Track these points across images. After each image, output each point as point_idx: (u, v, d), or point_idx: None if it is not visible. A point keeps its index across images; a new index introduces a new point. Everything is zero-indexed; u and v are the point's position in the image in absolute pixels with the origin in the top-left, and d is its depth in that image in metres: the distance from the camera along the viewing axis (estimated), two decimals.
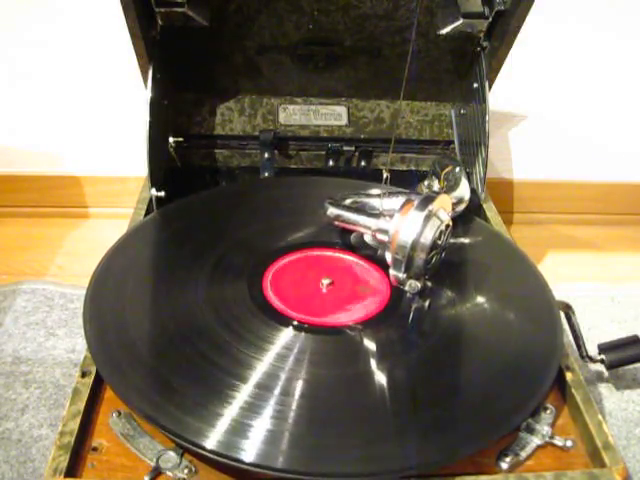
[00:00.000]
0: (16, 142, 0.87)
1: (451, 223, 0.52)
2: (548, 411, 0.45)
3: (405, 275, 0.50)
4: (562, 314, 0.52)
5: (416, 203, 0.50)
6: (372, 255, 0.57)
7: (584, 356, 0.54)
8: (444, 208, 0.51)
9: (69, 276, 0.79)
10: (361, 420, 0.42)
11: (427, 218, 0.49)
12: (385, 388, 0.44)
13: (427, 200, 0.50)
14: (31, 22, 0.79)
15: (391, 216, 0.51)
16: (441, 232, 0.50)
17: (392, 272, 0.51)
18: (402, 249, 0.49)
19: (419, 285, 0.50)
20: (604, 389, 0.63)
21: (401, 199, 0.54)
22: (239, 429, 0.40)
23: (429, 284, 0.52)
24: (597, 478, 0.40)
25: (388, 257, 0.51)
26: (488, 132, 0.67)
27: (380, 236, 0.54)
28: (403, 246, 0.49)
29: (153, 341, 0.47)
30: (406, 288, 0.51)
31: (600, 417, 0.44)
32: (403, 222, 0.49)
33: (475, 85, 0.70)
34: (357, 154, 0.76)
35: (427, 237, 0.49)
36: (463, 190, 0.63)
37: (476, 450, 0.41)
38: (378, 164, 0.77)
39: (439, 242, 0.50)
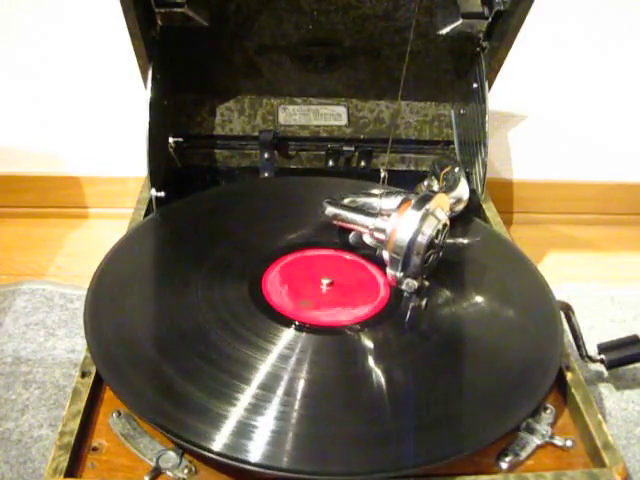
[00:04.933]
0: (16, 142, 0.87)
1: (448, 222, 0.52)
2: (548, 411, 0.45)
3: (402, 274, 0.50)
4: (562, 314, 0.52)
5: (413, 202, 0.50)
6: (371, 255, 0.57)
7: (584, 356, 0.54)
8: (441, 207, 0.51)
9: (69, 276, 0.79)
10: (362, 420, 0.42)
11: (424, 217, 0.49)
12: (385, 388, 0.44)
13: (424, 199, 0.50)
14: (31, 22, 0.79)
15: (389, 215, 0.51)
16: (438, 231, 0.50)
17: (389, 271, 0.51)
18: (399, 248, 0.49)
19: (416, 284, 0.50)
20: (604, 389, 0.63)
21: (399, 198, 0.54)
22: (244, 430, 0.40)
23: (426, 283, 0.52)
24: (597, 478, 0.40)
25: (385, 256, 0.51)
26: (488, 132, 0.67)
27: (378, 235, 0.54)
28: (400, 245, 0.49)
29: (153, 342, 0.47)
30: (403, 287, 0.51)
31: (600, 417, 0.44)
32: (400, 221, 0.49)
33: (475, 85, 0.70)
34: (357, 154, 0.76)
35: (424, 236, 0.49)
36: (462, 190, 0.63)
37: (476, 450, 0.41)
38: (378, 164, 0.77)
39: (436, 241, 0.50)
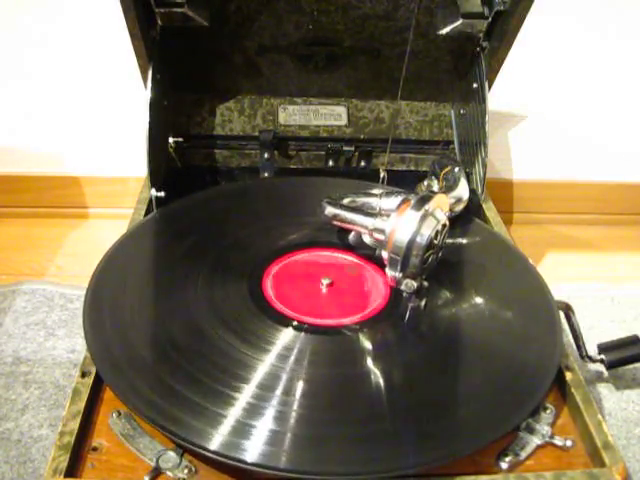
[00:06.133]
0: (16, 142, 0.87)
1: (448, 223, 0.52)
2: (548, 411, 0.45)
3: (401, 274, 0.50)
4: (562, 314, 0.52)
5: (412, 202, 0.50)
6: (371, 255, 0.57)
7: (584, 356, 0.54)
8: (441, 208, 0.51)
9: (69, 276, 0.79)
10: (361, 420, 0.42)
11: (423, 217, 0.49)
12: (384, 388, 0.44)
13: (424, 199, 0.50)
14: (31, 22, 0.79)
15: (388, 215, 0.51)
16: (437, 232, 0.50)
17: (388, 271, 0.51)
18: (398, 248, 0.49)
19: (415, 284, 0.50)
20: (604, 389, 0.63)
21: (399, 199, 0.54)
22: (241, 430, 0.40)
23: (426, 283, 0.52)
24: (597, 478, 0.40)
25: (385, 256, 0.51)
26: (488, 132, 0.67)
27: (377, 235, 0.54)
28: (399, 245, 0.49)
29: (153, 342, 0.47)
30: (402, 287, 0.51)
31: (600, 417, 0.44)
32: (399, 221, 0.49)
33: (475, 85, 0.70)
34: (357, 154, 0.76)
35: (423, 236, 0.49)
36: (462, 190, 0.63)
37: (476, 450, 0.41)
38: (378, 164, 0.77)
39: (435, 242, 0.50)
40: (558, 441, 0.43)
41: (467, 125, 0.73)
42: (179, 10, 0.63)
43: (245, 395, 0.42)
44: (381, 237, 0.52)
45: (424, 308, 0.51)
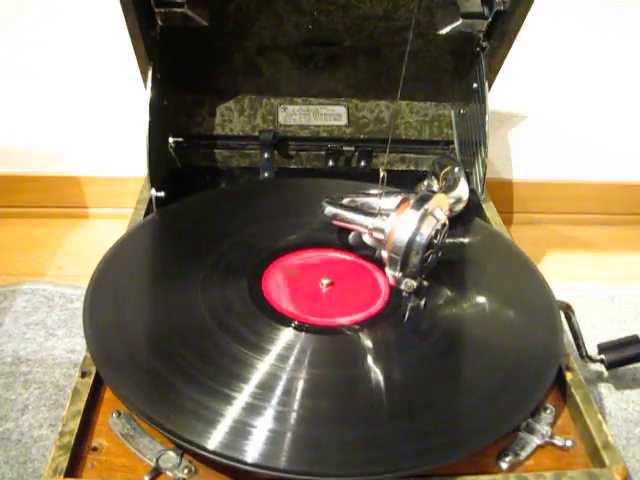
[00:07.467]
0: (16, 142, 0.87)
1: (447, 222, 0.52)
2: (548, 411, 0.45)
3: (401, 274, 0.50)
4: (562, 314, 0.52)
5: (412, 202, 0.50)
6: (371, 255, 0.57)
7: (584, 356, 0.54)
8: (441, 207, 0.51)
9: (69, 276, 0.79)
10: (361, 420, 0.42)
11: (423, 217, 0.49)
12: (385, 388, 0.44)
13: (423, 199, 0.50)
14: (31, 22, 0.79)
15: (388, 215, 0.51)
16: (437, 231, 0.50)
17: (388, 271, 0.51)
18: (398, 248, 0.49)
19: (415, 284, 0.50)
20: (604, 389, 0.63)
21: (399, 198, 0.54)
22: (240, 430, 0.40)
23: (425, 283, 0.52)
24: (597, 478, 0.40)
25: (384, 256, 0.51)
26: (488, 132, 0.67)
27: (377, 235, 0.54)
28: (399, 245, 0.49)
29: (153, 341, 0.47)
30: (402, 287, 0.51)
31: (600, 417, 0.44)
32: (399, 221, 0.49)
33: (475, 85, 0.70)
34: (357, 154, 0.76)
35: (423, 236, 0.49)
36: (461, 190, 0.63)
37: (476, 450, 0.41)
38: (378, 164, 0.77)
39: (435, 241, 0.50)
40: (558, 441, 0.43)
41: (467, 125, 0.73)
42: (179, 10, 0.63)
43: (245, 395, 0.42)
44: (381, 237, 0.52)
45: (424, 308, 0.51)
